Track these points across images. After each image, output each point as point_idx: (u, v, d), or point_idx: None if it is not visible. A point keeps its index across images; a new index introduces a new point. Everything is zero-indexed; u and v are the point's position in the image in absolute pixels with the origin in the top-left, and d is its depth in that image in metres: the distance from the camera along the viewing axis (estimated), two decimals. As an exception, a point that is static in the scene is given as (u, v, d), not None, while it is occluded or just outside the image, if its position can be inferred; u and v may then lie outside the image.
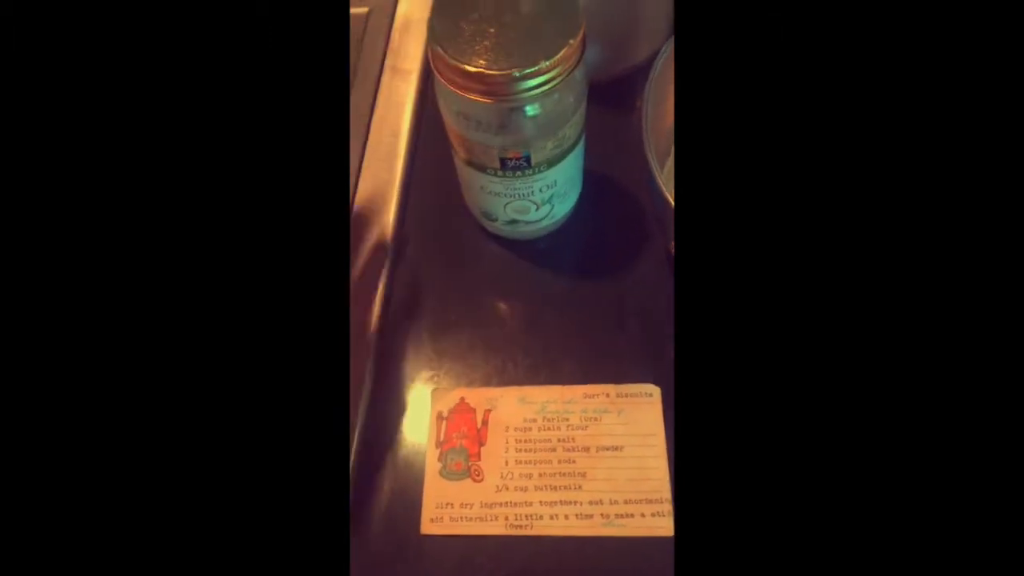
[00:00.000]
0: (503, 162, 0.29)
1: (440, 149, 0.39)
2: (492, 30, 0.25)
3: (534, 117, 0.27)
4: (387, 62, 0.43)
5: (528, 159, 0.29)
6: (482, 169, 0.30)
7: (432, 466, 0.30)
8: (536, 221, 0.33)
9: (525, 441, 0.31)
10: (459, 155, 0.31)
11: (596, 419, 0.31)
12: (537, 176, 0.30)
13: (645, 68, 0.31)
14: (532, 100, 0.26)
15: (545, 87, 0.25)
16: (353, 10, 0.45)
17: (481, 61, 0.25)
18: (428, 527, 0.29)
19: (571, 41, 0.25)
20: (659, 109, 0.30)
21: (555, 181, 0.31)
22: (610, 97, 0.38)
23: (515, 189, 0.31)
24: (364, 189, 0.38)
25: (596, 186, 0.36)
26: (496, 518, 0.29)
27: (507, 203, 0.32)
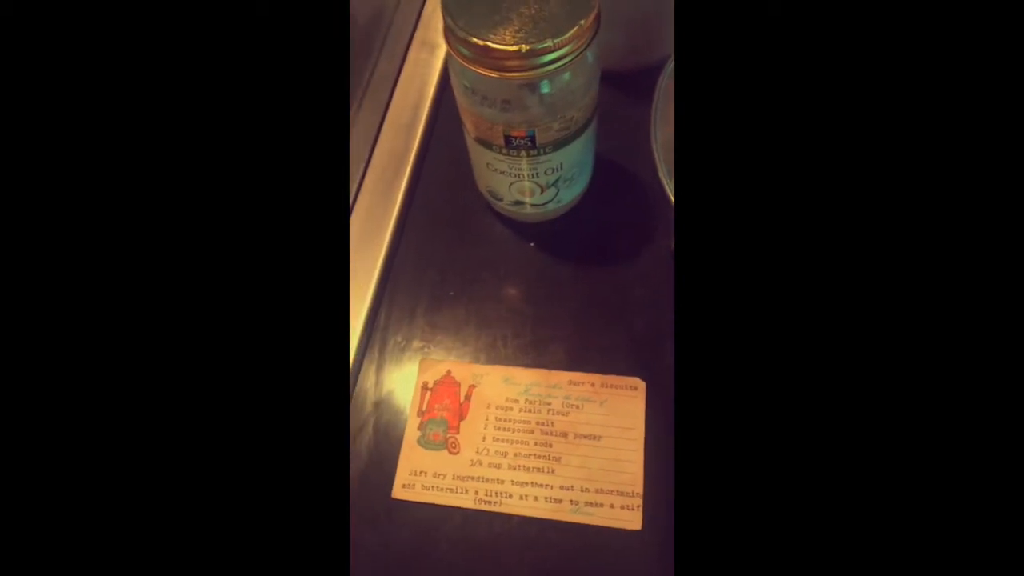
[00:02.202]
0: (508, 140, 0.29)
1: (458, 126, 0.39)
2: (505, 5, 0.25)
3: (541, 96, 0.27)
4: (416, 34, 0.43)
5: (533, 139, 0.28)
6: (488, 146, 0.30)
7: (411, 434, 0.31)
8: (541, 204, 0.33)
9: (505, 420, 0.31)
10: (468, 130, 0.31)
11: (578, 406, 0.31)
12: (542, 158, 0.30)
13: (667, 63, 0.31)
14: (539, 78, 0.26)
15: (552, 66, 0.25)
16: (390, -18, 0.45)
17: (490, 35, 0.25)
18: (399, 492, 0.29)
19: (582, 22, 0.25)
20: (672, 107, 0.29)
21: (560, 165, 0.31)
22: (631, 88, 0.38)
23: (519, 169, 0.30)
24: (379, 156, 0.38)
25: (608, 176, 0.36)
26: (467, 491, 0.29)
27: (511, 183, 0.32)
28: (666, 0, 0.35)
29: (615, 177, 0.37)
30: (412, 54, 0.42)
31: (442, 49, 0.42)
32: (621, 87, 0.36)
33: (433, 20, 0.43)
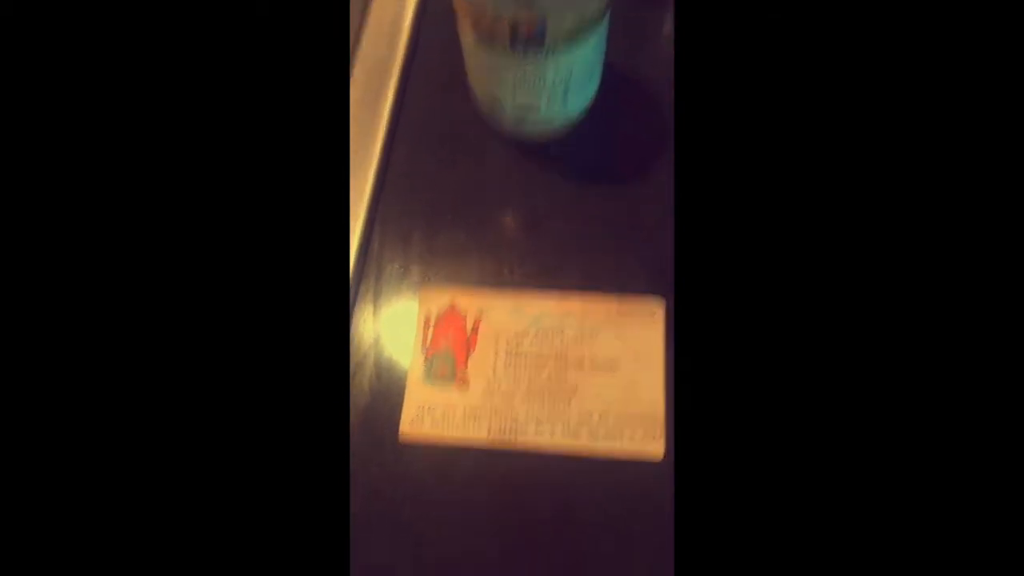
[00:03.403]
0: (514, 35, 0.25)
1: (448, 30, 0.35)
2: None
3: (554, -18, 0.23)
4: (394, -74, 0.38)
5: (543, 33, 0.25)
6: (491, 46, 0.26)
7: (416, 369, 0.29)
8: (547, 115, 0.30)
9: (516, 353, 0.29)
10: (466, 30, 0.27)
11: (593, 334, 0.29)
12: (552, 56, 0.26)
13: None
14: (553, -43, 0.22)
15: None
16: None
17: (496, -100, 0.21)
18: (407, 428, 0.27)
19: None
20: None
21: (572, 64, 0.27)
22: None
23: (526, 70, 0.27)
24: (361, 65, 0.34)
25: (615, 86, 0.33)
26: (479, 425, 0.27)
27: (516, 89, 0.28)
28: None
29: (620, 86, 0.33)
30: (390, -52, 0.37)
31: (424, -57, 0.37)
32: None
33: (412, -92, 0.38)
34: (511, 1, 0.24)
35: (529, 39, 0.25)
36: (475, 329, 0.29)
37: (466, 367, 0.28)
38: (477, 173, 0.32)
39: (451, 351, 0.29)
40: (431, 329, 0.29)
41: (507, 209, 0.32)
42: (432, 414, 0.28)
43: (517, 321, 0.29)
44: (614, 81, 0.33)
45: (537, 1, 0.24)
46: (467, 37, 0.27)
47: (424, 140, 0.33)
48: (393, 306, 0.30)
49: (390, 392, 0.28)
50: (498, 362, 0.29)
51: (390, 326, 0.30)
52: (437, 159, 0.33)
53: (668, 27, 0.35)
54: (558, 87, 0.28)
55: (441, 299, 0.30)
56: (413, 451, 0.27)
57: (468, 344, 0.29)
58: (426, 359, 0.29)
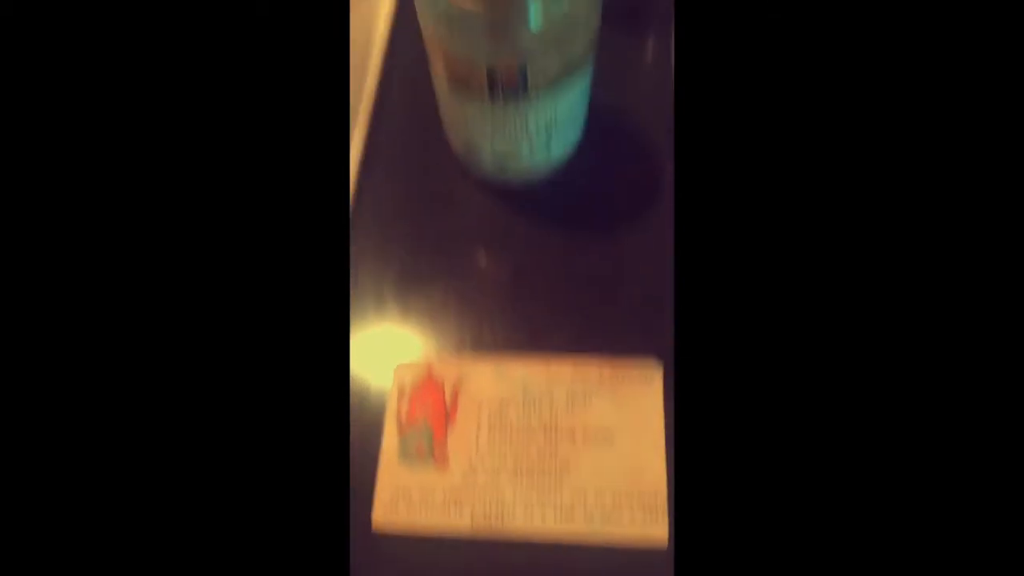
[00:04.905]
0: (492, 82, 0.23)
1: (418, 71, 0.33)
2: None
3: (536, 25, 0.21)
4: (361, -40, 0.36)
5: (524, 79, 0.23)
6: (467, 91, 0.24)
7: (390, 448, 0.26)
8: (527, 162, 0.28)
9: (500, 424, 0.26)
10: (439, 74, 0.25)
11: (585, 401, 0.26)
12: (534, 103, 0.24)
13: None
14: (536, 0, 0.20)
15: (552, -18, 0.20)
16: None
17: (470, -62, 0.19)
18: (380, 517, 0.24)
19: (591, -80, 0.19)
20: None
21: (555, 111, 0.25)
22: (626, 22, 0.32)
23: (505, 118, 0.25)
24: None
25: (602, 128, 0.31)
26: (461, 511, 0.25)
27: (494, 136, 0.26)
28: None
29: (609, 128, 0.31)
30: (357, -17, 0.35)
31: (393, -23, 0.35)
32: (611, 20, 0.30)
33: (380, -59, 0.36)
34: (488, 46, 0.22)
35: (508, 87, 0.23)
36: (454, 399, 0.26)
37: (445, 442, 0.26)
38: (454, 222, 0.30)
39: (428, 425, 0.26)
40: (406, 401, 0.26)
41: (488, 262, 0.29)
42: (408, 498, 0.25)
43: (501, 388, 0.26)
44: (599, 121, 0.31)
45: (517, 45, 0.22)
46: (440, 82, 0.25)
47: (395, 190, 0.31)
48: (363, 376, 0.27)
49: (361, 475, 0.25)
50: (481, 436, 0.26)
51: (360, 399, 0.27)
52: (410, 208, 0.30)
53: (654, 60, 0.33)
54: (540, 134, 0.26)
55: (417, 366, 0.27)
56: (388, 543, 0.24)
57: (447, 416, 0.26)
58: (401, 436, 0.26)
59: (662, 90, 0.32)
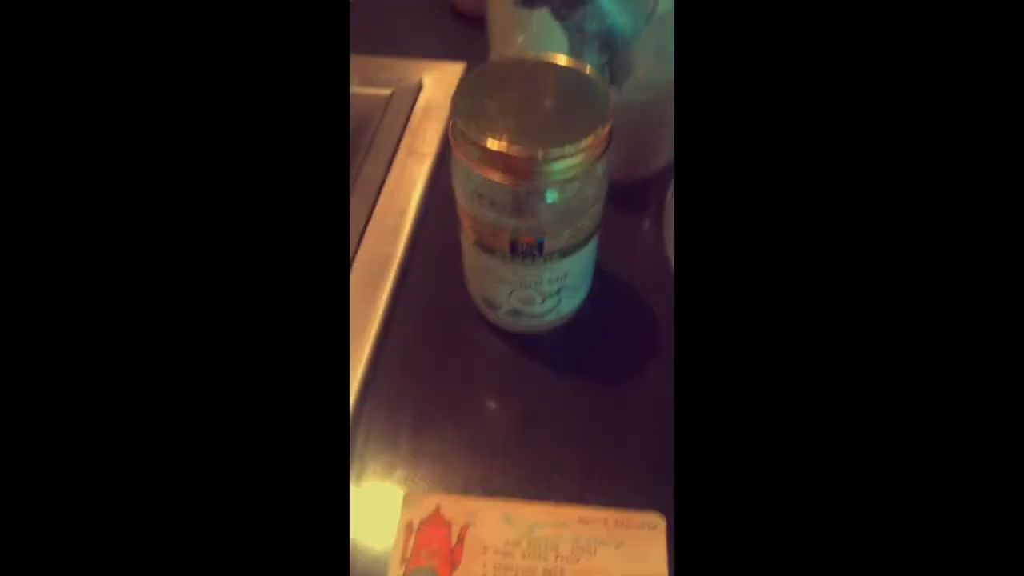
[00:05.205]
0: (514, 246, 0.27)
1: (446, 232, 0.37)
2: (518, 111, 0.24)
3: (552, 204, 0.25)
4: (403, 142, 0.42)
5: (541, 246, 0.27)
6: (491, 252, 0.28)
7: (392, 588, 0.25)
8: (541, 315, 0.31)
9: (506, 568, 0.26)
10: (468, 236, 0.29)
11: (590, 551, 0.26)
12: (548, 265, 0.28)
13: (663, 175, 0.31)
14: (553, 185, 0.24)
15: (568, 173, 0.24)
16: (375, 91, 0.45)
17: (504, 140, 0.23)
18: (377, 668, 0.24)
19: (599, 129, 0.24)
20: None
21: (565, 273, 0.29)
22: (627, 200, 0.37)
23: (523, 277, 0.28)
24: (362, 260, 0.35)
25: (606, 288, 0.34)
26: (461, 665, 0.24)
27: (512, 291, 0.29)
28: (660, 116, 0.36)
29: (612, 287, 0.35)
30: (399, 159, 0.41)
31: (429, 158, 0.41)
32: (615, 198, 0.35)
33: (421, 130, 0.43)
34: (512, 218, 0.26)
35: (528, 250, 0.27)
36: (460, 540, 0.27)
37: (449, 587, 0.26)
38: (469, 370, 0.32)
39: (433, 567, 0.26)
40: (413, 538, 0.27)
41: (499, 404, 0.31)
42: (408, 647, 0.24)
43: (507, 531, 0.27)
44: (605, 282, 0.34)
45: (536, 218, 0.26)
46: (468, 241, 0.29)
47: (417, 335, 0.33)
48: (372, 512, 0.28)
49: (361, 617, 0.25)
50: (485, 581, 0.26)
51: (367, 535, 0.27)
52: (429, 351, 0.33)
53: (654, 234, 0.38)
54: (553, 290, 0.29)
55: (425, 505, 0.28)
56: None
57: (452, 557, 0.26)
58: (406, 574, 0.26)
59: (659, 258, 0.36)
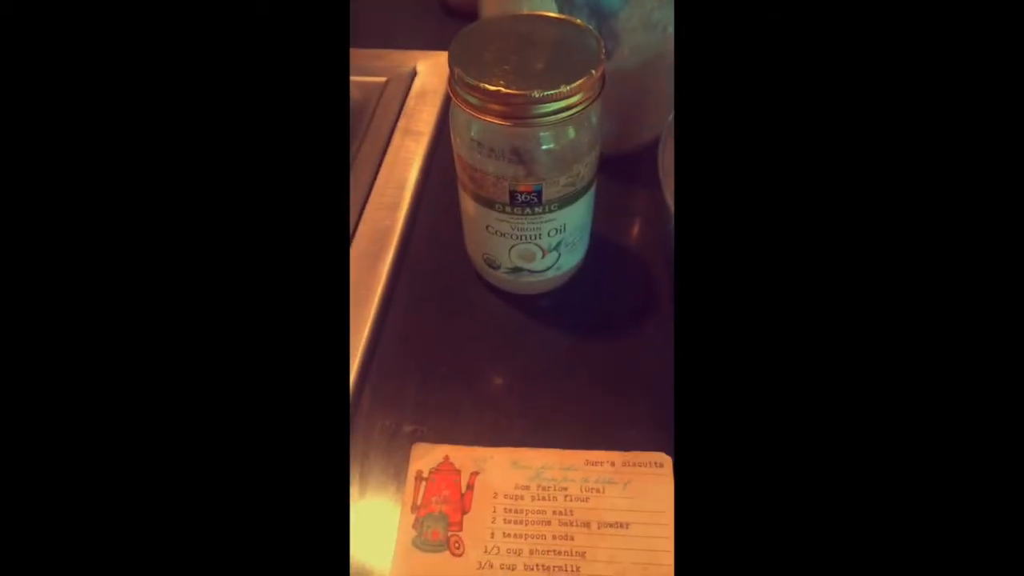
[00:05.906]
0: (513, 196, 0.27)
1: (445, 205, 0.38)
2: (513, 57, 0.25)
3: (548, 149, 0.26)
4: (399, 124, 0.43)
5: (539, 194, 0.27)
6: (490, 205, 0.28)
7: (405, 534, 0.26)
8: (542, 270, 0.31)
9: (516, 511, 0.26)
10: (467, 191, 0.29)
11: (599, 490, 0.27)
12: (547, 215, 0.28)
13: (651, 147, 0.31)
14: (549, 126, 0.25)
15: (564, 114, 0.25)
16: (371, 79, 0.47)
17: (501, 82, 0.24)
18: (392, 608, 0.24)
19: (592, 71, 0.25)
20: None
21: (564, 225, 0.29)
22: (619, 171, 0.38)
23: (523, 229, 0.29)
24: (363, 233, 0.36)
25: (604, 250, 0.35)
26: (476, 602, 0.24)
27: (512, 246, 0.30)
28: (650, 85, 0.37)
29: (610, 249, 0.36)
30: (396, 139, 0.42)
31: (425, 136, 0.42)
32: (608, 170, 0.36)
33: (416, 112, 0.44)
34: (511, 167, 0.26)
35: (527, 199, 0.27)
36: (470, 486, 0.27)
37: (460, 529, 0.26)
38: (472, 329, 0.33)
39: (444, 512, 0.26)
40: (423, 486, 0.27)
41: (502, 363, 0.31)
42: (422, 588, 0.24)
43: (517, 476, 0.27)
44: (600, 245, 0.35)
45: (534, 168, 0.26)
46: (468, 197, 0.30)
47: (420, 299, 0.34)
48: (382, 465, 0.28)
49: (377, 561, 0.25)
50: (496, 523, 0.26)
51: (378, 486, 0.27)
52: (432, 314, 0.33)
53: (644, 202, 0.39)
54: (553, 244, 0.30)
55: (434, 454, 0.28)
56: (398, 635, 0.23)
57: (463, 502, 0.26)
58: (416, 521, 0.26)
59: (649, 225, 0.37)
